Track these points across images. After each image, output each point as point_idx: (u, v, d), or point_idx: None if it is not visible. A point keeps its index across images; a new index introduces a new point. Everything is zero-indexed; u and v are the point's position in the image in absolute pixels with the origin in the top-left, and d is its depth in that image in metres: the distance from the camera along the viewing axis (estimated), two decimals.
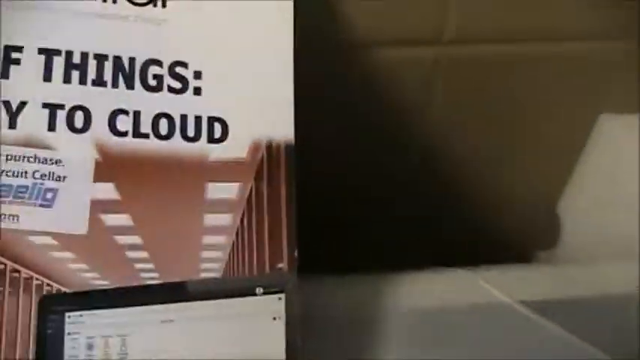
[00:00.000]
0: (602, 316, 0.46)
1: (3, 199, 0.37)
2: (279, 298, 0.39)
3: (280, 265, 0.40)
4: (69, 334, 0.37)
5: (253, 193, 0.40)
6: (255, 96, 0.41)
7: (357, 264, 0.44)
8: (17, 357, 0.36)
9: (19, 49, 0.39)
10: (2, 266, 0.37)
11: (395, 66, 0.53)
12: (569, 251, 0.60)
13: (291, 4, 0.42)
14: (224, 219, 0.39)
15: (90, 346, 0.37)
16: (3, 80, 0.39)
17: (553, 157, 0.59)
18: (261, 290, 0.39)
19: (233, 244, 0.39)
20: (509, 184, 0.61)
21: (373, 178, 0.57)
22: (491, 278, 0.48)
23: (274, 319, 0.39)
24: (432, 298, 0.47)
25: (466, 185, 0.60)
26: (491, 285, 0.47)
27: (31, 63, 0.39)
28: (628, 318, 0.46)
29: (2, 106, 0.38)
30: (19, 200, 0.37)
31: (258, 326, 0.39)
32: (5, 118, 0.38)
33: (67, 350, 0.37)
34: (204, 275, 0.39)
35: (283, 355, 0.39)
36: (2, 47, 0.39)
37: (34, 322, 0.37)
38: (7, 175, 0.38)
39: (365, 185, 0.56)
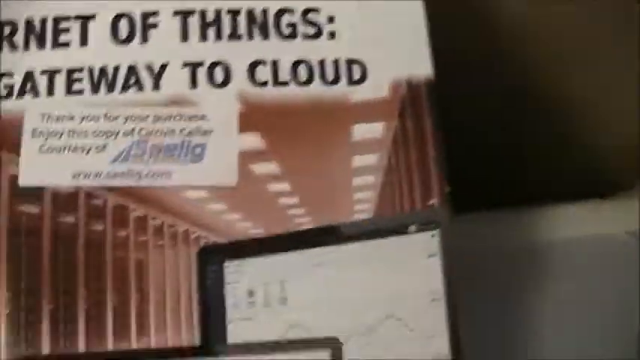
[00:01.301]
0: None
1: (155, 158, 0.38)
2: (433, 235, 0.38)
3: (432, 202, 0.39)
4: (229, 283, 0.38)
5: (398, 131, 0.39)
6: (389, 35, 0.40)
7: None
8: (182, 307, 0.37)
9: (155, 13, 0.40)
10: (160, 222, 0.38)
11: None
12: None
13: None
14: (372, 159, 0.39)
15: (250, 293, 0.37)
16: (143, 45, 0.40)
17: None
18: (414, 228, 0.38)
19: (382, 183, 0.39)
20: (597, 123, 0.58)
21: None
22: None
23: (429, 256, 0.38)
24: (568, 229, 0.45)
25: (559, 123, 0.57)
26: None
27: (167, 25, 0.40)
28: None
29: (145, 69, 0.39)
30: (170, 158, 0.38)
31: (414, 264, 0.38)
32: (149, 80, 0.39)
33: (229, 298, 0.37)
34: (356, 217, 0.38)
35: (442, 293, 0.38)
36: (139, 13, 0.40)
37: (194, 274, 0.37)
38: (156, 135, 0.38)
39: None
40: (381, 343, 0.37)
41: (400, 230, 0.38)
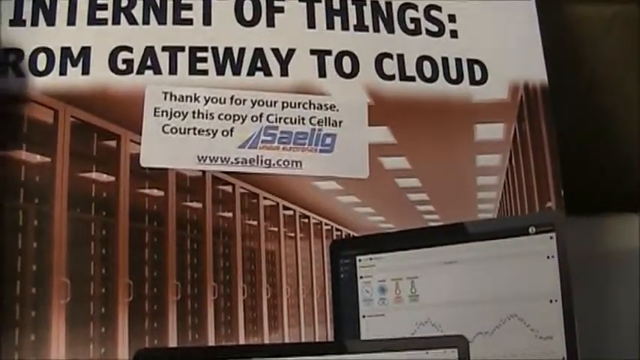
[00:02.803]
0: None
1: (285, 145, 0.37)
2: (551, 237, 0.39)
3: (549, 204, 0.39)
4: (361, 277, 0.37)
5: (517, 133, 0.40)
6: (507, 38, 0.41)
7: None
8: (315, 301, 0.36)
9: None
10: (291, 212, 0.37)
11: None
12: None
13: None
14: (494, 159, 0.39)
15: (382, 289, 0.37)
16: (269, 28, 0.38)
17: None
18: (534, 229, 0.39)
19: (504, 184, 0.39)
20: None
21: None
22: None
23: (548, 257, 0.39)
24: None
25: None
26: None
27: (294, 10, 0.39)
28: None
29: (272, 54, 0.38)
30: (301, 146, 0.37)
31: (534, 265, 0.38)
32: (276, 65, 0.38)
33: (362, 293, 0.37)
34: (480, 216, 0.38)
35: (559, 294, 0.39)
36: None
37: (327, 266, 0.36)
38: (285, 122, 0.37)
39: None
40: (504, 342, 0.37)
41: (521, 231, 0.39)
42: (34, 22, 0.36)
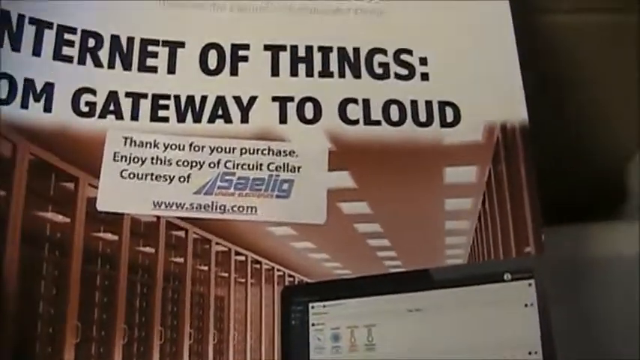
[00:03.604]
0: None
1: (240, 191, 0.37)
2: (529, 284, 0.36)
3: (528, 249, 0.37)
4: (313, 324, 0.36)
5: (492, 175, 0.38)
6: (483, 78, 0.40)
7: None
8: (263, 349, 0.35)
9: (246, 46, 0.39)
10: (243, 257, 0.36)
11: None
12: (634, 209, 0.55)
13: None
14: (465, 203, 0.37)
15: (336, 337, 0.35)
16: (232, 77, 0.39)
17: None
18: (510, 276, 0.36)
19: (476, 228, 0.37)
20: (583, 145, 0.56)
21: None
22: None
23: (526, 305, 0.36)
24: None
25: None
26: None
27: (258, 59, 0.39)
28: None
29: (233, 101, 0.38)
30: (257, 192, 0.37)
31: (510, 313, 0.36)
32: (237, 112, 0.38)
33: (313, 341, 0.35)
34: (449, 262, 0.36)
35: (539, 344, 0.36)
36: (229, 45, 0.39)
37: (278, 313, 0.35)
38: (242, 168, 0.37)
39: None
40: None
41: (496, 278, 0.36)
42: None
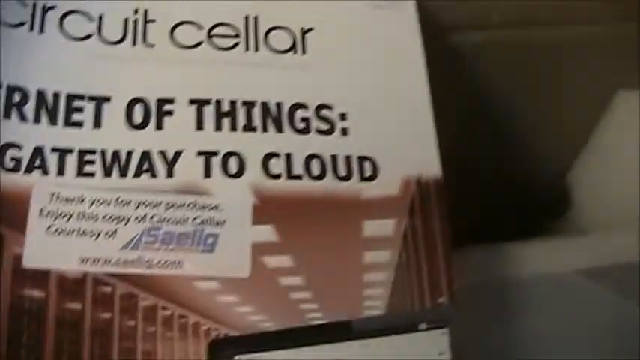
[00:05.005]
0: None
1: (166, 246, 0.38)
2: (443, 333, 0.39)
3: (441, 300, 0.39)
4: None
5: (408, 228, 0.40)
6: (400, 134, 0.41)
7: None
8: None
9: (171, 100, 0.40)
10: (169, 312, 0.37)
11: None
12: (577, 221, 0.60)
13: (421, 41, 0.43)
14: (383, 256, 0.39)
15: None
16: (157, 131, 0.39)
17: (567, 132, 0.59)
18: (425, 325, 0.38)
19: (394, 280, 0.39)
20: (524, 155, 0.60)
21: None
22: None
23: (440, 353, 0.38)
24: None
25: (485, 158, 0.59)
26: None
27: (183, 114, 0.40)
28: None
29: (159, 156, 0.39)
30: (183, 247, 0.38)
31: None
32: (163, 167, 0.39)
33: None
34: (367, 313, 0.38)
35: None
36: (154, 99, 0.40)
37: None
38: (168, 222, 0.38)
39: None
40: None
41: (411, 328, 0.38)
42: None
